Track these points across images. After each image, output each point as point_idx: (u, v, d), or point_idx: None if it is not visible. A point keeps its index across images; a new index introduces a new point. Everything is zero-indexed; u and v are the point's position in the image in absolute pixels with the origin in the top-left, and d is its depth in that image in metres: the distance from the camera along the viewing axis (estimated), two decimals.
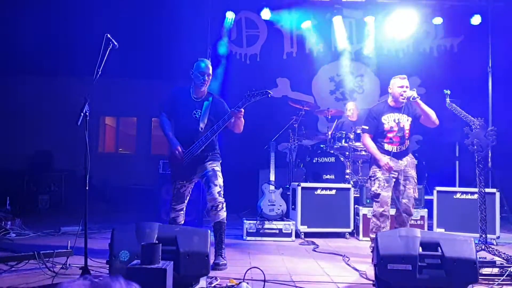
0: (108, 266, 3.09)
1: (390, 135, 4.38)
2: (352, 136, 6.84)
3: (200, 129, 4.10)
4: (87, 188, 3.36)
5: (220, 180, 4.06)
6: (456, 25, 8.51)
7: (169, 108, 4.23)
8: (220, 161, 4.23)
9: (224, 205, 4.06)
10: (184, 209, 4.25)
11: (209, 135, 4.06)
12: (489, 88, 7.77)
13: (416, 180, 4.39)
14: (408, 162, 4.39)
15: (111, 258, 3.05)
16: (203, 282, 3.13)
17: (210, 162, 4.11)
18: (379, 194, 4.26)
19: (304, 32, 8.69)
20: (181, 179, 4.14)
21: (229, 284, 3.18)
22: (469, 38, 8.57)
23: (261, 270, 3.17)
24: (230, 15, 8.11)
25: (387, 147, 4.38)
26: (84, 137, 3.33)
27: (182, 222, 4.22)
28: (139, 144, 10.75)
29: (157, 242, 2.96)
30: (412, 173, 4.38)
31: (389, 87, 4.49)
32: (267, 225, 5.36)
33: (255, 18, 8.43)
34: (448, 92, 4.43)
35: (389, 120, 4.40)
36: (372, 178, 4.38)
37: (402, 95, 4.26)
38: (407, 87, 4.32)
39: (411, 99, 4.20)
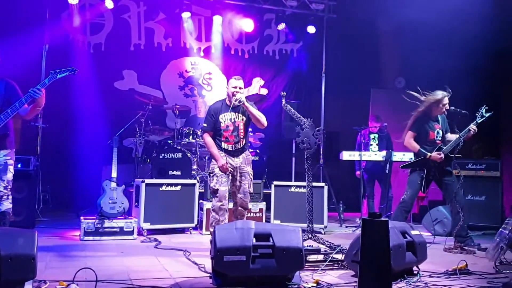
0: None
1: (226, 134, 4.52)
2: (199, 133, 6.95)
3: None
4: None
5: (9, 175, 4.02)
6: (296, 31, 9.21)
7: None
8: (15, 149, 4.13)
9: (10, 197, 4.05)
10: None
11: (2, 118, 3.90)
12: (322, 92, 8.57)
13: (251, 176, 4.61)
14: (244, 159, 4.58)
15: None
16: (29, 286, 2.88)
17: (3, 151, 4.00)
18: (217, 190, 4.38)
19: (152, 25, 8.55)
20: None
21: (58, 287, 2.97)
22: (307, 44, 9.34)
23: (93, 270, 3.03)
24: (73, 1, 7.56)
25: (224, 145, 4.53)
26: None
27: None
28: None
29: None
30: (248, 169, 4.58)
31: (226, 86, 4.67)
32: (107, 223, 5.13)
33: (101, 6, 7.99)
34: (284, 94, 4.77)
35: (225, 119, 4.53)
36: (211, 174, 4.49)
37: (234, 95, 4.43)
38: (240, 88, 4.49)
39: (236, 102, 4.38)
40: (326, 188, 6.13)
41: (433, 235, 5.77)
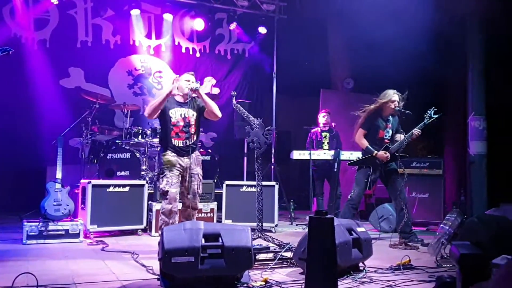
0: None
1: (176, 130, 4.48)
2: (149, 132, 6.83)
3: None
4: None
5: None
6: (248, 31, 9.23)
7: None
8: None
9: None
10: None
11: None
12: (274, 92, 8.64)
13: (201, 177, 4.57)
14: (193, 160, 4.53)
15: None
16: None
17: None
18: (167, 191, 4.31)
19: (100, 22, 8.31)
20: None
21: None
22: (259, 44, 9.39)
23: (33, 275, 2.91)
24: None
25: (174, 141, 4.47)
26: None
27: None
28: None
29: None
30: (197, 170, 4.55)
31: (178, 83, 4.61)
32: (52, 226, 4.94)
33: (45, 1, 7.68)
34: (234, 93, 4.80)
35: (176, 115, 4.49)
36: (161, 176, 4.42)
37: (187, 87, 4.43)
38: (192, 81, 4.51)
39: (193, 88, 4.38)
40: (277, 187, 6.18)
41: (379, 231, 5.95)
